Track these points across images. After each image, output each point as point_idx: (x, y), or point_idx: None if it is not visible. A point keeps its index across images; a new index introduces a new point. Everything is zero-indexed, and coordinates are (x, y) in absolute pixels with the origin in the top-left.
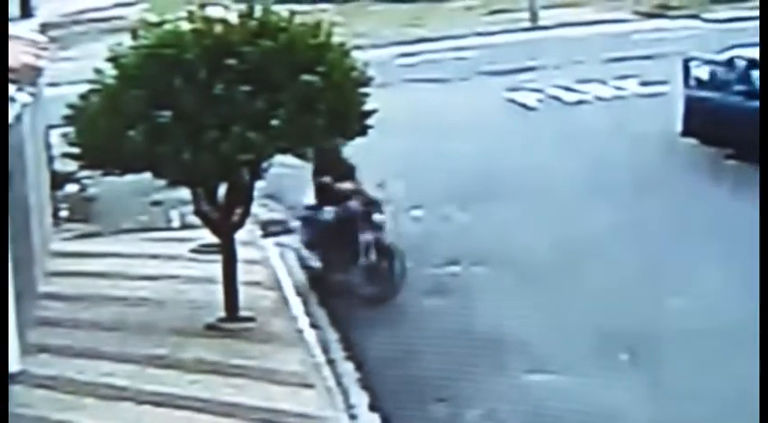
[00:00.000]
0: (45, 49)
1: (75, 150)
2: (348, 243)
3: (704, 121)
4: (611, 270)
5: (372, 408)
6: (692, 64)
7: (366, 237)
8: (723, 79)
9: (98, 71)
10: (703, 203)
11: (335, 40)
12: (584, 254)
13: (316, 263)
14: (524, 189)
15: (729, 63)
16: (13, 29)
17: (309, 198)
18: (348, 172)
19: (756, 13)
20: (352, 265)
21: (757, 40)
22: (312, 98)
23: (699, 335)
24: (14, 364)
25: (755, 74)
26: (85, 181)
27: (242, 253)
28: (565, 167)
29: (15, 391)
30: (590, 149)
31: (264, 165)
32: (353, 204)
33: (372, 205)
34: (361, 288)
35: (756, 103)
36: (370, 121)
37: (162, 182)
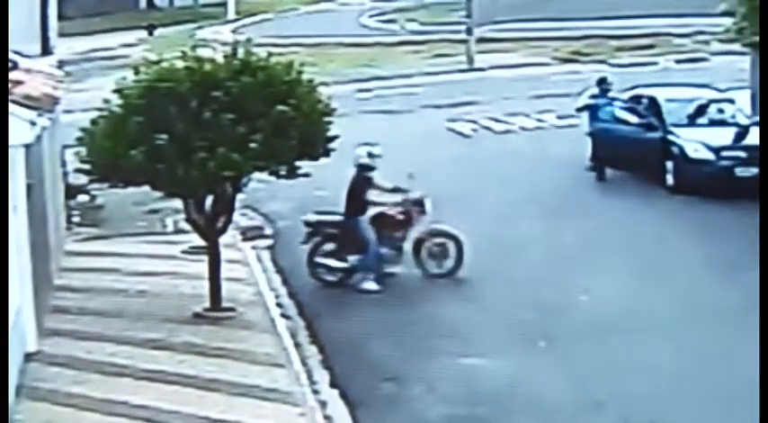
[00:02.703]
0: (61, 81)
1: (86, 166)
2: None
3: (609, 148)
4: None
5: (332, 384)
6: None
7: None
8: (625, 114)
9: (106, 101)
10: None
11: (305, 77)
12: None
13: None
14: (458, 199)
15: (632, 100)
16: (35, 64)
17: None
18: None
19: (653, 59)
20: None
21: (654, 81)
22: (285, 125)
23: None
24: (32, 345)
25: (654, 109)
26: (94, 192)
27: (225, 254)
28: (492, 182)
29: (32, 367)
30: (515, 168)
31: (244, 180)
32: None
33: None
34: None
35: (652, 135)
36: (332, 145)
37: (159, 193)
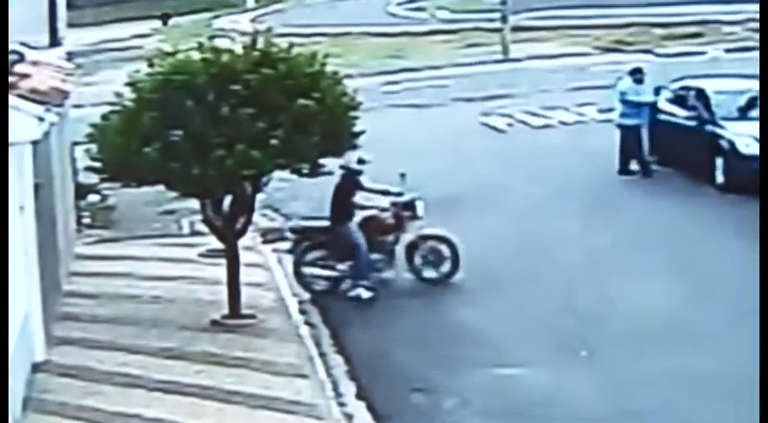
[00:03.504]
0: (71, 74)
1: (97, 164)
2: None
3: (654, 143)
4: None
5: (359, 396)
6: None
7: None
8: (671, 107)
9: (118, 95)
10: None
11: (329, 69)
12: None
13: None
14: (493, 200)
15: (679, 92)
16: (43, 56)
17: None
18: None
19: (701, 48)
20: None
21: (703, 72)
22: (307, 120)
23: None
24: (40, 355)
25: (702, 102)
26: (106, 192)
27: (244, 257)
28: (528, 179)
29: (40, 378)
30: (552, 165)
31: (264, 179)
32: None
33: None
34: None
35: (700, 129)
36: (358, 141)
37: (174, 193)
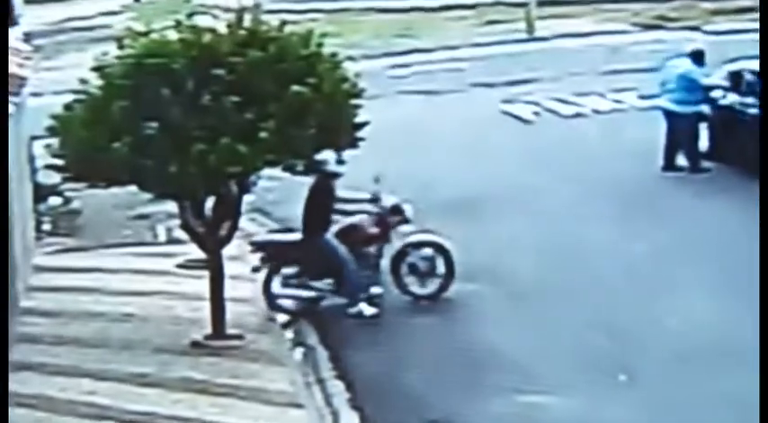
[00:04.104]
0: (29, 58)
1: (59, 162)
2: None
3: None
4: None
5: None
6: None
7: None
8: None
9: (83, 81)
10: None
11: (326, 50)
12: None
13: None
14: (518, 202)
15: (732, 77)
16: None
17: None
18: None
19: (756, 25)
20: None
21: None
22: (302, 110)
23: None
24: None
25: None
26: (69, 194)
27: (229, 268)
28: (558, 177)
29: None
30: (586, 161)
31: (253, 178)
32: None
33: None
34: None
35: (756, 118)
36: (361, 134)
37: (147, 195)
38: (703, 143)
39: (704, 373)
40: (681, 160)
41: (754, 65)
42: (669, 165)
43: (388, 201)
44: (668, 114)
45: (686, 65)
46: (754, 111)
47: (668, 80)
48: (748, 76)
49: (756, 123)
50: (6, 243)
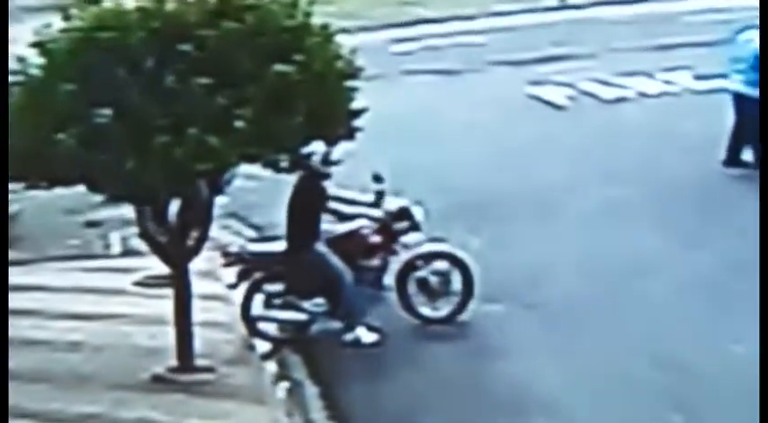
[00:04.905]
0: None
1: None
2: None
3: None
4: None
5: None
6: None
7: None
8: None
9: (21, 59)
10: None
11: (316, 20)
12: None
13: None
14: (549, 206)
15: None
16: None
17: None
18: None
19: None
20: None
21: None
22: (286, 93)
23: None
24: None
25: None
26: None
27: (198, 287)
28: (596, 176)
29: None
30: (630, 156)
31: (227, 176)
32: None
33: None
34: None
35: None
36: (358, 123)
37: (99, 197)
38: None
39: None
40: (747, 154)
41: None
42: (733, 159)
43: (392, 203)
44: (738, 98)
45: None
46: None
47: (740, 57)
48: None
49: None
50: (6, 243)
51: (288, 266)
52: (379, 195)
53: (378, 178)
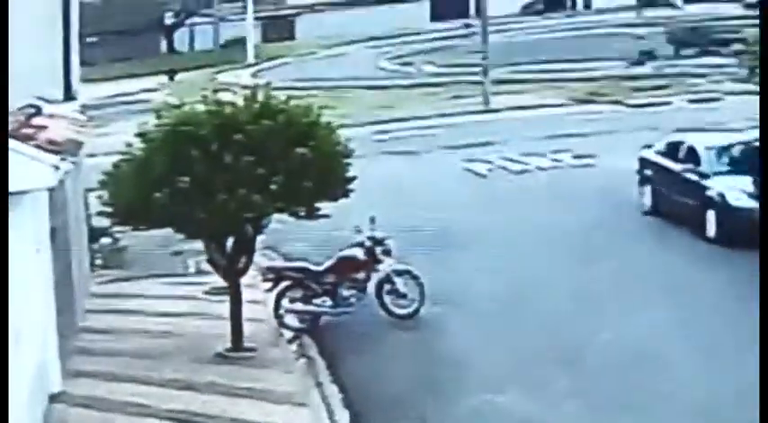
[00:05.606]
0: (84, 126)
1: (109, 209)
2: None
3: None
4: None
5: None
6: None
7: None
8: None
9: (128, 144)
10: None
11: (324, 119)
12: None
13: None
14: (477, 246)
15: (670, 147)
16: (58, 109)
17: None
18: None
19: (670, 99)
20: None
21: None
22: (304, 167)
23: None
24: (56, 386)
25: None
26: (117, 235)
27: (246, 294)
28: (509, 227)
29: (57, 408)
30: (532, 212)
31: (264, 221)
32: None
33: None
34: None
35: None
36: (351, 186)
37: (181, 235)
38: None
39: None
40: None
41: (687, 137)
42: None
43: (375, 235)
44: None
45: None
46: (688, 175)
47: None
48: (685, 146)
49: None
50: (6, 243)
51: (304, 276)
52: (373, 238)
53: (372, 220)
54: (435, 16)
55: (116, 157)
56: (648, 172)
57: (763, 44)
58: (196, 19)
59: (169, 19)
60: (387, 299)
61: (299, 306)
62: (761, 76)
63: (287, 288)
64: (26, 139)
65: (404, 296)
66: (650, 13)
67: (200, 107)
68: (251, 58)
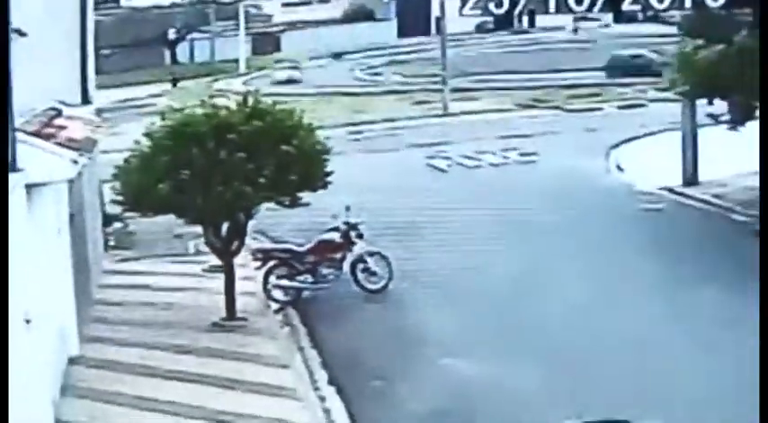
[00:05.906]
0: (99, 126)
1: (120, 198)
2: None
3: None
4: None
5: (330, 382)
6: None
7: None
8: None
9: (136, 142)
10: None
11: (305, 121)
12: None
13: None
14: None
15: None
16: (77, 112)
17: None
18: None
19: (601, 105)
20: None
21: (600, 124)
22: (288, 163)
23: None
24: (75, 350)
25: None
26: (127, 220)
27: (238, 272)
28: (465, 213)
29: (75, 370)
30: (484, 197)
31: (255, 210)
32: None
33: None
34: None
35: None
36: (329, 179)
37: (182, 221)
38: None
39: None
40: None
41: None
42: None
43: (350, 220)
44: None
45: None
46: None
47: None
48: None
49: None
50: (7, 244)
51: (289, 257)
52: (348, 223)
53: (348, 208)
54: (402, 33)
55: (126, 153)
56: None
57: (763, 44)
58: (195, 34)
59: (172, 34)
60: (360, 276)
61: (284, 282)
62: (761, 77)
63: (274, 266)
64: (48, 137)
65: (375, 274)
66: (583, 34)
67: (199, 110)
68: (242, 69)
